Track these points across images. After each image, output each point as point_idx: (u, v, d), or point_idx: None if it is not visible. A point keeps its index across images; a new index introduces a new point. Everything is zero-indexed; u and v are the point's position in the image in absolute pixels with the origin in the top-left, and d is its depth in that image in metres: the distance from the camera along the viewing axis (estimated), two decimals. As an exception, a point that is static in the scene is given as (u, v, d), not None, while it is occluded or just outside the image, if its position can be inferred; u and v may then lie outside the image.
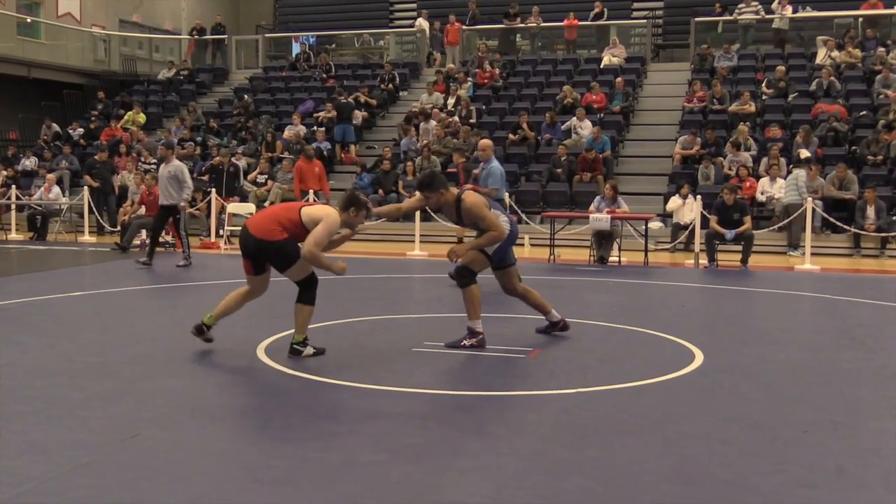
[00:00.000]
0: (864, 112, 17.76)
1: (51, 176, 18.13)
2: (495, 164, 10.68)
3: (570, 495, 3.86)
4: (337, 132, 19.91)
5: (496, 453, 4.40)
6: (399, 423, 4.90)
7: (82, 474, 4.03)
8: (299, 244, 6.43)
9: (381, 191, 17.33)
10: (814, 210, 13.76)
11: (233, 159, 17.77)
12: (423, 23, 24.76)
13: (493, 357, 6.58)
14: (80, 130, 22.04)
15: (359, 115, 20.51)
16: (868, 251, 14.71)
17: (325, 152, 18.93)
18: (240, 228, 16.03)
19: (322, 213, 6.40)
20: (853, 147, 16.92)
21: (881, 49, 19.65)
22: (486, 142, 11.17)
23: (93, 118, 22.77)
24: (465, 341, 6.87)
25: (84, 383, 5.73)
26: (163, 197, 12.56)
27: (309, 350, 6.53)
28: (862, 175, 15.70)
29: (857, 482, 4.08)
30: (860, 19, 21.63)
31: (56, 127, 22.37)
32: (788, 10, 21.61)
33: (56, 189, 17.88)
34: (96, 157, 18.46)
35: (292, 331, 6.70)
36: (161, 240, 15.25)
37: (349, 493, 3.85)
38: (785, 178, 15.55)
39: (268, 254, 6.48)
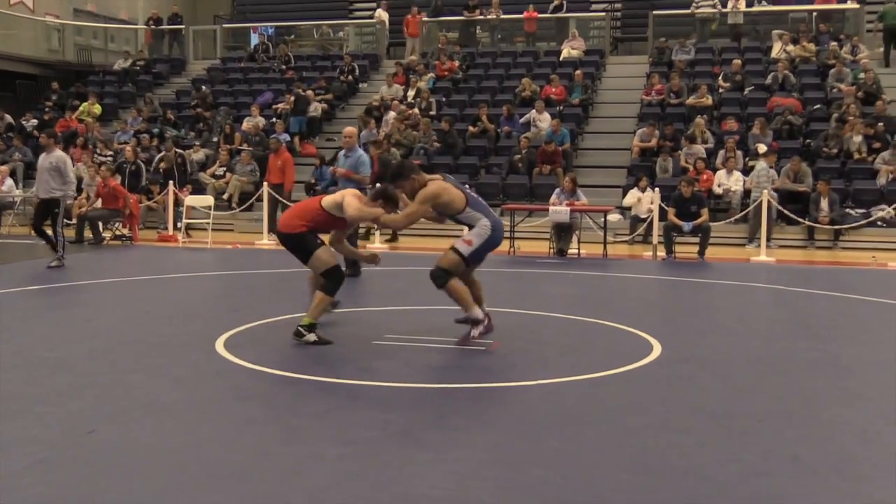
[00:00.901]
0: (819, 106, 18.03)
1: (3, 168, 17.82)
2: (361, 151, 10.99)
3: (530, 487, 3.89)
4: (293, 124, 19.80)
5: (457, 446, 4.41)
6: (360, 417, 4.90)
7: (38, 471, 3.98)
8: (318, 238, 6.73)
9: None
10: (769, 202, 13.95)
11: (178, 150, 17.56)
12: (382, 14, 24.67)
13: (453, 349, 6.59)
14: (34, 122, 21.66)
15: (318, 107, 20.40)
16: (822, 243, 14.94)
17: (283, 144, 18.81)
18: (198, 221, 15.91)
19: (340, 195, 6.77)
20: (807, 140, 17.18)
21: (833, 43, 19.96)
22: (350, 129, 11.36)
23: (47, 109, 22.38)
24: (472, 332, 6.70)
25: (39, 378, 5.65)
26: (42, 190, 11.40)
27: (311, 337, 6.63)
28: (816, 168, 15.94)
29: (812, 470, 4.15)
30: (814, 14, 21.94)
31: (9, 118, 21.95)
32: (742, 4, 21.86)
33: (9, 181, 17.58)
34: (51, 149, 18.14)
35: (250, 325, 6.67)
36: (118, 233, 15.11)
37: (311, 486, 3.85)
38: (743, 172, 15.76)
39: (290, 247, 6.76)
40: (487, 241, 6.71)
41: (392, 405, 5.19)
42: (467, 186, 7.09)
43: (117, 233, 15.16)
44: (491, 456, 4.27)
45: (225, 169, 18.08)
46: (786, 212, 14.64)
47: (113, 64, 25.43)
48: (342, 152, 11.29)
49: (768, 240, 13.98)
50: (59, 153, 11.46)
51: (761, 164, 15.36)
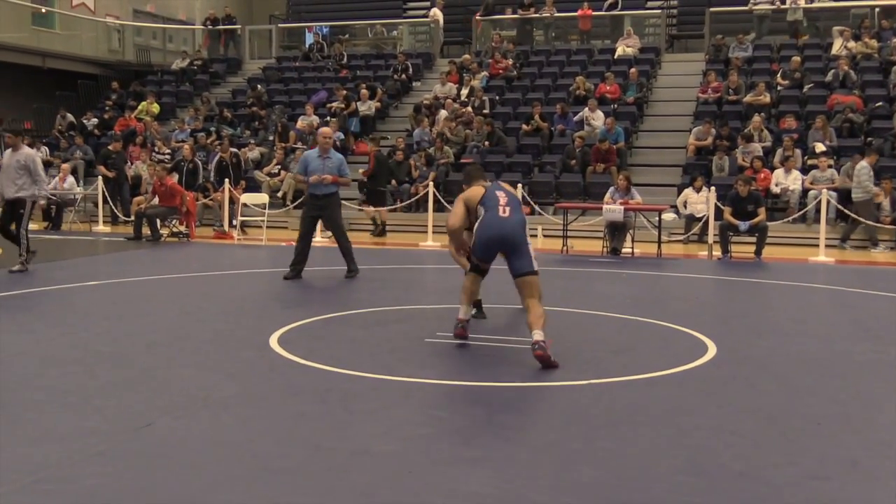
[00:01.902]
0: (881, 103, 17.63)
1: (65, 166, 18.20)
2: (337, 154, 10.60)
3: (581, 486, 3.86)
4: (347, 123, 19.95)
5: (508, 444, 4.40)
6: (411, 414, 4.91)
7: (96, 462, 4.06)
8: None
9: (394, 181, 17.31)
10: (828, 202, 13.69)
11: (233, 149, 17.77)
12: (436, 13, 24.71)
13: (505, 348, 6.58)
14: (95, 120, 22.12)
15: (371, 106, 20.51)
16: (883, 243, 14.62)
17: (337, 143, 18.94)
18: (253, 218, 16.05)
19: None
20: (869, 138, 16.81)
21: (896, 40, 19.51)
22: (327, 130, 10.91)
23: (107, 108, 22.83)
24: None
25: (98, 372, 5.76)
26: (7, 189, 10.58)
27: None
28: (877, 166, 15.58)
29: (870, 475, 4.06)
30: (876, 9, 21.47)
31: (70, 117, 22.44)
32: (802, 1, 21.46)
33: (70, 179, 17.95)
34: (110, 147, 18.52)
35: (304, 321, 6.72)
36: (175, 230, 15.35)
37: (361, 482, 3.86)
38: (801, 171, 15.49)
39: None
40: (476, 237, 6.52)
41: (443, 403, 5.20)
42: (519, 185, 6.98)
43: (175, 230, 15.40)
44: (542, 455, 4.25)
45: (280, 167, 18.27)
46: (846, 211, 14.35)
47: (171, 64, 25.85)
48: (315, 155, 10.31)
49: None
50: (27, 151, 10.84)
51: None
